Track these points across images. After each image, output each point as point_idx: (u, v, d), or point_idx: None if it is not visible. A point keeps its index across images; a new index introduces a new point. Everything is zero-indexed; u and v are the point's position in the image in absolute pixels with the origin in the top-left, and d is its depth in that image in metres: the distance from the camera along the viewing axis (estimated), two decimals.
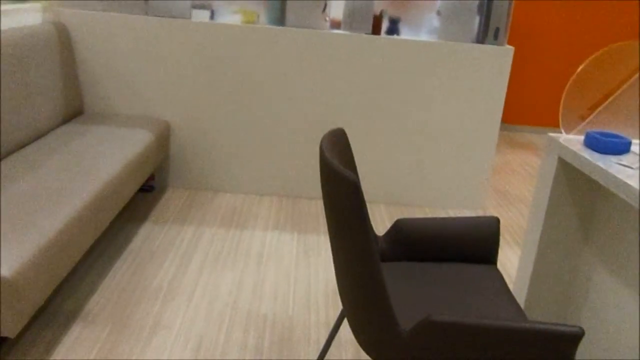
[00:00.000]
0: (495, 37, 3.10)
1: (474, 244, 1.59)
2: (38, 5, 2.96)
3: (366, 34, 3.08)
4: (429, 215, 3.26)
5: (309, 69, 3.12)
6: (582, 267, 1.95)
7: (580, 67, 1.80)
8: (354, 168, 1.44)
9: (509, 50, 3.11)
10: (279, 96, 3.18)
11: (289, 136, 3.26)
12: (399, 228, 1.55)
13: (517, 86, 5.39)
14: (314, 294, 2.38)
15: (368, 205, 3.33)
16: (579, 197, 1.88)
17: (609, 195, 1.84)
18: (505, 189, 3.81)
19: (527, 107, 5.44)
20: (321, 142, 1.25)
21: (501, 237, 3.06)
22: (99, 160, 2.41)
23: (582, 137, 1.87)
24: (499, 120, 3.23)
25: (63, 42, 2.95)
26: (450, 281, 1.50)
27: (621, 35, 5.27)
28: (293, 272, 2.54)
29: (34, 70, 2.62)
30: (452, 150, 3.28)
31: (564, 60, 5.29)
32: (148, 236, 2.74)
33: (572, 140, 1.82)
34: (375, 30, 3.09)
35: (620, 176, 1.47)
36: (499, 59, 3.12)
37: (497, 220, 1.62)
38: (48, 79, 2.76)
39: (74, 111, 3.07)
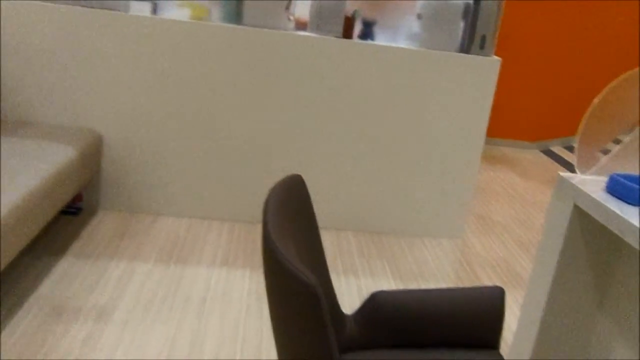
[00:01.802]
0: (482, 46, 2.73)
1: (472, 323, 1.19)
2: None
3: (336, 37, 2.65)
4: (404, 244, 2.86)
5: (269, 76, 2.68)
6: (597, 337, 1.57)
7: (599, 96, 1.47)
8: (316, 238, 1.01)
9: (496, 61, 2.74)
10: (232, 105, 2.72)
11: (243, 152, 2.80)
12: (376, 304, 1.14)
13: (495, 97, 5.07)
14: (266, 350, 1.94)
15: (336, 234, 2.91)
16: (595, 253, 1.49)
17: (631, 252, 1.46)
18: (486, 213, 3.44)
19: (506, 120, 5.13)
20: (265, 205, 0.82)
21: (482, 271, 2.68)
22: (11, 176, 1.91)
23: (601, 179, 1.49)
24: (483, 138, 2.86)
25: None
26: None
27: (610, 48, 5.01)
28: (242, 322, 2.09)
29: None
30: (430, 171, 2.89)
31: (546, 71, 4.99)
32: (65, 275, 2.25)
33: (589, 184, 1.44)
34: (347, 33, 2.66)
35: None
36: (485, 70, 2.74)
37: (502, 292, 1.22)
38: None
39: None
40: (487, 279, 2.62)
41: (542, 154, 5.06)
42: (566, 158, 4.97)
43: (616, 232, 1.22)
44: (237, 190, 2.87)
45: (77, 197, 2.83)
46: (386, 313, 1.11)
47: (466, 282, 2.56)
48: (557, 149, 5.24)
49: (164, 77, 2.66)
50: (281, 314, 0.80)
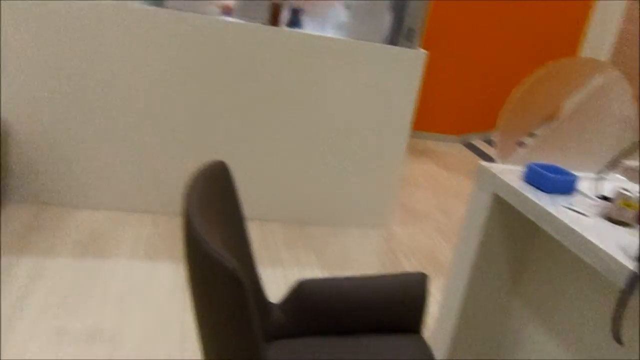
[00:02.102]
0: (409, 38, 2.77)
1: (397, 308, 1.20)
2: None
3: (263, 24, 2.60)
4: (330, 234, 2.87)
5: (192, 62, 2.59)
6: (512, 319, 1.64)
7: (520, 87, 1.52)
8: (241, 226, 0.98)
9: (422, 54, 2.79)
10: (153, 92, 2.61)
11: (165, 141, 2.70)
12: (302, 293, 1.12)
13: (422, 91, 5.20)
14: (191, 345, 1.88)
15: (261, 225, 2.87)
16: (512, 240, 1.56)
17: (544, 239, 1.54)
18: (410, 204, 3.52)
19: (431, 114, 5.27)
20: (187, 193, 0.78)
21: (406, 260, 2.74)
22: None
23: (519, 169, 1.55)
24: (408, 129, 2.91)
25: None
26: None
27: (530, 46, 5.25)
28: (165, 317, 2.01)
29: None
30: (356, 161, 2.91)
31: (469, 67, 5.17)
32: None
33: (508, 173, 1.49)
34: (274, 20, 2.62)
35: (577, 228, 1.14)
36: (411, 62, 2.79)
37: (424, 278, 1.24)
38: None
39: None
40: (410, 268, 2.68)
41: (464, 147, 5.26)
42: (486, 151, 5.18)
43: (532, 218, 1.27)
44: (160, 181, 2.76)
45: None
46: (312, 301, 1.10)
47: (390, 271, 2.61)
48: (478, 143, 5.45)
49: (76, 60, 2.51)
50: (204, 303, 0.76)
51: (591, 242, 1.09)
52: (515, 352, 1.60)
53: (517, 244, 1.54)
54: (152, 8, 2.48)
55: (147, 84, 2.59)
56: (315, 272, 2.48)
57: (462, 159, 4.84)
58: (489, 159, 4.97)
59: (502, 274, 1.55)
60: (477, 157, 4.96)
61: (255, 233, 2.77)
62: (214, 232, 0.87)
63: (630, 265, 0.99)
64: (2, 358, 1.69)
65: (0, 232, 2.37)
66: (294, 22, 2.67)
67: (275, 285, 2.34)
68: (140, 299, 2.09)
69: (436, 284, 2.57)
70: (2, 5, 2.36)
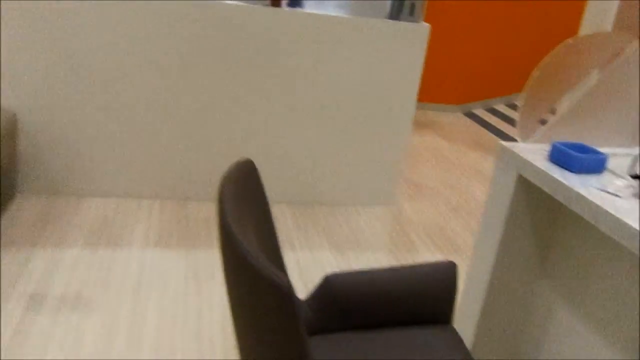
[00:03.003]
0: (411, 13, 2.73)
1: (426, 300, 1.21)
2: None
3: (264, 5, 2.56)
4: (339, 214, 2.89)
5: (194, 46, 2.56)
6: (539, 301, 1.65)
7: (542, 62, 1.50)
8: (270, 223, 0.98)
9: (425, 28, 2.76)
10: (155, 77, 2.59)
11: (168, 126, 2.69)
12: (329, 288, 1.13)
13: None
14: (208, 332, 1.91)
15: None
16: (538, 220, 1.56)
17: (572, 219, 1.54)
18: (416, 179, 3.53)
19: (431, 84, 5.24)
20: (220, 195, 0.78)
21: (417, 237, 2.76)
22: None
23: (542, 147, 1.54)
24: (414, 105, 2.90)
25: None
26: (397, 354, 1.11)
27: (529, 13, 5.19)
28: (181, 305, 2.04)
29: None
30: (362, 138, 2.90)
31: (469, 36, 5.11)
32: None
33: (532, 152, 1.48)
34: (275, 1, 2.58)
35: (611, 210, 1.14)
36: (415, 37, 2.76)
37: (454, 267, 1.25)
38: None
39: None
40: (422, 245, 2.70)
41: (464, 117, 5.24)
42: (488, 120, 5.17)
43: (561, 200, 1.26)
44: (165, 166, 2.76)
45: None
46: (340, 296, 1.11)
47: (402, 249, 2.63)
48: (479, 112, 5.43)
49: (83, 50, 2.48)
50: (249, 312, 0.77)
51: (628, 225, 1.08)
52: (543, 335, 1.62)
53: (542, 224, 1.54)
54: None
55: (151, 71, 2.57)
56: (326, 254, 2.51)
57: (464, 129, 4.83)
58: (488, 126, 4.95)
59: (528, 256, 1.56)
60: (479, 127, 4.95)
61: None
62: (249, 230, 0.88)
63: None
64: (21, 358, 1.72)
65: (13, 224, 2.38)
66: (295, 1, 2.62)
67: (289, 269, 2.36)
68: (155, 289, 2.11)
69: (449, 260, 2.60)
70: None
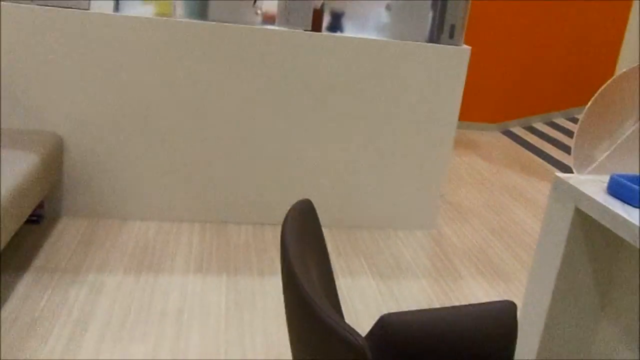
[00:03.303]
0: (451, 35, 2.70)
1: (484, 340, 1.16)
2: None
3: (305, 30, 2.57)
4: (378, 238, 2.84)
5: (237, 72, 2.58)
6: (599, 339, 1.57)
7: (598, 92, 1.46)
8: (327, 262, 0.96)
9: (465, 50, 2.72)
10: (198, 103, 2.61)
11: (211, 150, 2.70)
12: (385, 329, 1.09)
13: None
14: None
15: None
16: (596, 255, 1.48)
17: (632, 253, 1.47)
18: (456, 201, 3.46)
19: (468, 102, 5.17)
20: (283, 235, 0.76)
21: (460, 262, 2.69)
22: None
23: (599, 179, 1.48)
24: (454, 127, 2.85)
25: None
26: None
27: (567, 30, 5.09)
28: (223, 334, 2.03)
29: None
30: (401, 160, 2.87)
31: (505, 53, 5.04)
32: (29, 295, 2.12)
33: (590, 184, 1.42)
34: (316, 26, 2.58)
35: None
36: (455, 60, 2.72)
37: (513, 307, 1.20)
38: None
39: None
40: (465, 271, 2.63)
41: (502, 135, 5.14)
42: (525, 138, 5.06)
43: (622, 235, 1.20)
44: (205, 190, 2.77)
45: (38, 204, 2.67)
46: (396, 337, 1.08)
47: (445, 276, 2.57)
48: (517, 130, 5.33)
49: (126, 76, 2.52)
50: (312, 357, 0.75)
51: None
52: None
53: (602, 260, 1.47)
54: (197, 21, 2.47)
55: (192, 96, 2.60)
56: (368, 280, 2.46)
57: (502, 148, 4.74)
58: (530, 146, 4.85)
59: (587, 294, 1.49)
60: (517, 146, 4.85)
61: None
62: (311, 272, 0.86)
63: None
64: None
65: (58, 248, 2.42)
66: (335, 26, 2.62)
67: None
68: (197, 317, 2.10)
69: (496, 289, 2.52)
70: (54, 22, 2.38)
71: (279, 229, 2.84)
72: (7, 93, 2.48)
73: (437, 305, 2.34)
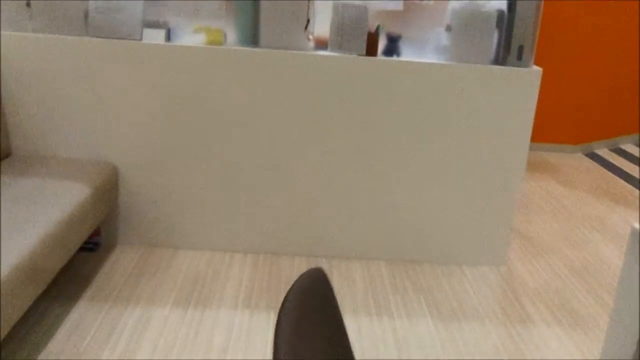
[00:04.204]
0: (519, 57, 2.48)
1: None
2: None
3: (359, 55, 2.45)
4: (441, 274, 2.64)
5: (289, 99, 2.50)
6: None
7: None
8: (344, 337, 0.81)
9: (536, 72, 2.49)
10: (252, 132, 2.55)
11: (265, 179, 2.63)
12: None
13: None
14: None
15: (365, 264, 2.70)
16: None
17: None
18: (529, 232, 3.18)
19: (544, 121, 4.82)
20: (279, 321, 0.63)
21: (531, 305, 2.43)
22: (19, 225, 1.81)
23: None
24: (526, 153, 2.61)
25: None
26: None
27: None
28: None
29: None
30: (468, 191, 2.65)
31: (588, 65, 4.67)
32: (78, 325, 2.11)
33: None
34: (371, 50, 2.46)
35: None
36: (524, 82, 2.49)
37: None
38: None
39: None
40: (537, 315, 2.37)
41: (586, 158, 4.74)
42: (613, 162, 4.63)
43: None
44: (259, 220, 2.69)
45: (95, 232, 2.71)
46: None
47: (514, 320, 2.32)
48: (603, 152, 4.89)
49: (180, 105, 2.51)
50: None
51: None
52: None
53: None
54: (249, 49, 2.43)
55: (245, 125, 2.54)
56: (427, 323, 2.27)
57: (585, 172, 4.35)
58: (619, 171, 4.42)
59: None
60: (603, 170, 4.44)
61: (359, 274, 2.60)
62: (315, 348, 0.72)
63: None
64: None
65: (110, 278, 2.42)
66: (392, 50, 2.49)
67: (382, 341, 2.15)
68: (240, 357, 2.00)
69: (573, 338, 2.24)
70: (109, 54, 2.42)
71: (334, 262, 2.71)
72: (65, 123, 2.53)
73: (505, 356, 2.10)
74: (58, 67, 2.45)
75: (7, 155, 2.55)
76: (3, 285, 1.59)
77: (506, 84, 2.49)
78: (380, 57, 2.45)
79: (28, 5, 2.35)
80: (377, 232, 2.71)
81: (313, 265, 2.66)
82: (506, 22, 2.46)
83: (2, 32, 2.40)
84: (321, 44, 2.47)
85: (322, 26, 2.44)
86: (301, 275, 0.79)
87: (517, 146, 2.59)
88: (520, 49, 2.46)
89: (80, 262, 2.54)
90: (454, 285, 2.56)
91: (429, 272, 2.66)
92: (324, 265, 2.67)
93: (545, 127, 4.81)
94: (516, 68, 2.47)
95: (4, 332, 1.60)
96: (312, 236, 2.72)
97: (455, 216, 2.69)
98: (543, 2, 3.55)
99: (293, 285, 0.76)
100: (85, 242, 2.68)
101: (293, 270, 2.61)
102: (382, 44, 2.48)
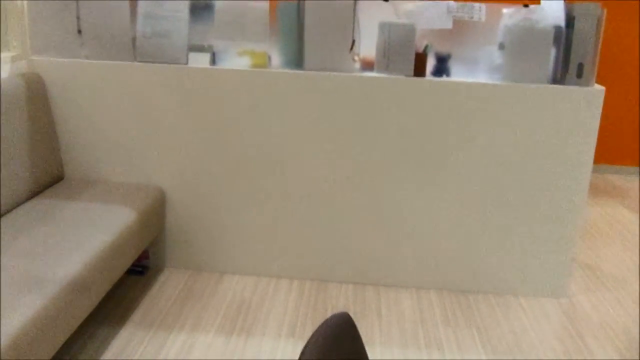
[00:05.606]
0: (579, 75, 2.33)
1: None
2: (7, 55, 2.43)
3: (407, 76, 2.38)
4: (496, 306, 2.48)
5: (335, 122, 2.45)
6: None
7: None
8: None
9: (598, 92, 2.33)
10: (298, 155, 2.52)
11: (312, 204, 2.57)
12: None
13: None
14: None
15: (415, 294, 2.58)
16: None
17: None
18: (594, 262, 2.96)
19: (610, 142, 4.56)
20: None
21: (595, 342, 2.24)
22: (67, 248, 1.84)
23: None
24: (588, 177, 2.44)
25: (37, 96, 2.42)
26: None
27: None
28: None
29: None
30: (526, 215, 2.50)
31: None
32: (124, 349, 2.10)
33: None
34: (419, 71, 2.38)
35: None
36: (585, 102, 2.34)
37: None
38: (19, 141, 2.23)
39: (52, 177, 2.52)
40: (602, 354, 2.17)
41: None
42: None
43: None
44: (307, 246, 2.63)
45: (144, 255, 2.72)
46: None
47: (576, 358, 2.14)
48: None
49: (226, 129, 2.51)
50: None
51: None
52: None
53: None
54: (293, 71, 2.40)
55: (292, 149, 2.51)
56: (480, 359, 2.12)
57: None
58: None
59: None
60: None
61: (409, 304, 2.49)
62: None
63: None
64: None
65: (155, 303, 2.41)
66: (441, 70, 2.40)
67: None
68: None
69: None
70: (156, 78, 2.46)
71: (381, 290, 2.60)
72: (114, 147, 2.58)
73: None
74: (108, 92, 2.50)
75: (60, 179, 2.62)
76: (51, 306, 1.59)
77: (566, 104, 2.35)
78: (428, 77, 2.37)
79: (79, 32, 2.43)
80: (428, 260, 2.59)
81: (360, 294, 2.57)
82: (564, 38, 2.33)
83: (55, 59, 2.48)
84: (367, 65, 2.41)
85: (368, 47, 2.39)
86: (325, 321, 0.72)
87: (579, 169, 2.43)
88: (580, 66, 2.31)
89: (128, 286, 2.56)
90: (510, 319, 2.40)
91: (483, 304, 2.51)
92: (371, 294, 2.57)
93: (610, 147, 4.55)
94: (576, 87, 2.32)
95: (51, 354, 1.60)
96: (360, 263, 2.63)
97: (513, 243, 2.54)
98: (605, 18, 3.37)
99: (316, 331, 0.69)
100: (134, 265, 2.70)
101: (340, 298, 2.53)
102: (430, 64, 2.39)
